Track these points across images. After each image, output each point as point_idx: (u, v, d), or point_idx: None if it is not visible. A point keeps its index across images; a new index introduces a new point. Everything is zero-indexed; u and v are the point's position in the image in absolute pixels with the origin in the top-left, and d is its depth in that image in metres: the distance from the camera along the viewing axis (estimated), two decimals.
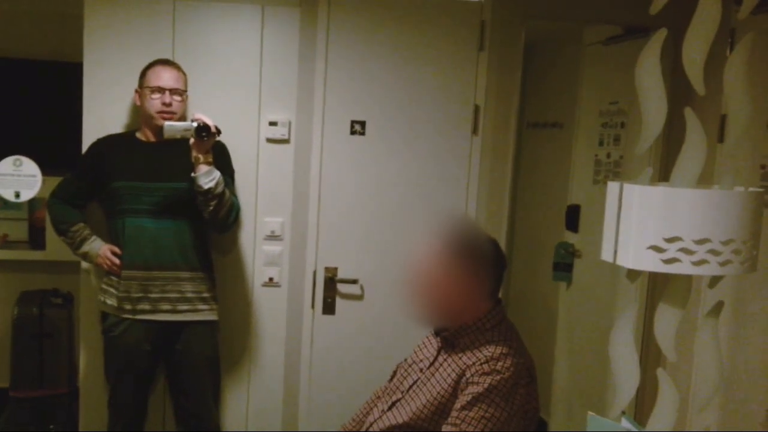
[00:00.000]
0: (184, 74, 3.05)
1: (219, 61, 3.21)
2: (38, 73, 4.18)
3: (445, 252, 2.05)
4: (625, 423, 1.86)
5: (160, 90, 2.95)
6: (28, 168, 2.98)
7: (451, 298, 2.06)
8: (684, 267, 1.51)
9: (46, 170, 3.04)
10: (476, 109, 3.35)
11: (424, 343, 2.27)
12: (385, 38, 3.28)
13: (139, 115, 3.09)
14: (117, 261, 2.95)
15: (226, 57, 3.21)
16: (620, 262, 1.60)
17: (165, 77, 2.97)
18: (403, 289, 2.15)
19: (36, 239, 4.34)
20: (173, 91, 2.98)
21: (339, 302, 3.39)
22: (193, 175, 2.85)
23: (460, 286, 2.05)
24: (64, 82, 3.71)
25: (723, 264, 1.51)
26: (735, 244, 1.51)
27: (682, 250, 1.50)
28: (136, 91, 3.03)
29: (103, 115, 3.14)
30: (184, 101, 3.03)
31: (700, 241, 1.50)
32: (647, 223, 1.54)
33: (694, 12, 1.60)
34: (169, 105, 2.96)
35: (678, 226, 1.51)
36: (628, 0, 3.32)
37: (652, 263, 1.53)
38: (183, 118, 3.01)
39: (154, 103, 2.95)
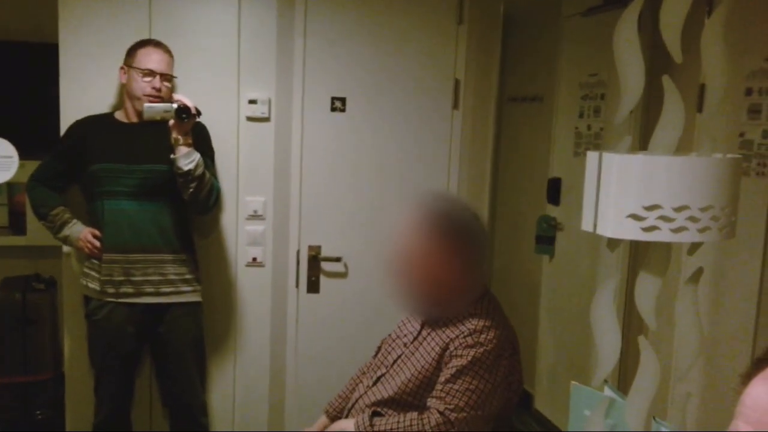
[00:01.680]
0: (173, 58, 3.02)
1: (196, 39, 3.17)
2: (13, 55, 4.11)
3: (430, 234, 2.03)
4: (608, 391, 1.87)
5: (152, 73, 2.92)
6: (4, 149, 2.93)
7: (440, 279, 2.05)
8: (663, 234, 1.52)
9: (25, 154, 3.00)
10: (456, 83, 3.34)
11: (408, 317, 2.28)
12: (363, 13, 3.26)
13: (120, 93, 3.06)
14: (98, 244, 2.93)
15: (204, 35, 3.18)
16: (600, 231, 1.61)
17: (157, 60, 2.94)
18: (389, 276, 2.12)
19: (16, 225, 4.30)
20: (163, 76, 2.95)
21: (323, 280, 3.39)
22: (172, 156, 2.82)
23: (447, 267, 2.04)
24: (41, 64, 3.66)
25: (702, 231, 1.53)
26: (713, 210, 1.53)
27: (662, 217, 1.52)
28: (122, 69, 2.98)
29: (81, 96, 3.10)
30: (171, 86, 3.01)
31: (679, 209, 1.51)
32: (626, 192, 1.54)
33: None
34: (159, 90, 2.93)
35: (657, 194, 1.52)
36: None
37: (631, 232, 1.54)
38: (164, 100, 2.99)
39: (144, 85, 2.91)
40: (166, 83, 2.97)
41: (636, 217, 1.53)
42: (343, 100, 3.29)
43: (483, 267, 2.15)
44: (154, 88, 2.92)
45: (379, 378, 2.17)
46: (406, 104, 3.32)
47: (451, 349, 1.99)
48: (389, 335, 2.33)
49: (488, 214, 3.54)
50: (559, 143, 4.20)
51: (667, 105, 1.63)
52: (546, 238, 4.20)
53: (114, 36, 3.07)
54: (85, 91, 3.11)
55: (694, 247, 1.72)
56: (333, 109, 3.29)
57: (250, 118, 3.25)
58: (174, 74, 3.02)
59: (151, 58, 2.94)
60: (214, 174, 3.03)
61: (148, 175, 2.91)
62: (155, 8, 3.13)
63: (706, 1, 2.71)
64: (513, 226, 4.90)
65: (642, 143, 3.29)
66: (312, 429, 2.35)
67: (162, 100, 2.93)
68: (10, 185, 4.02)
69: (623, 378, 3.36)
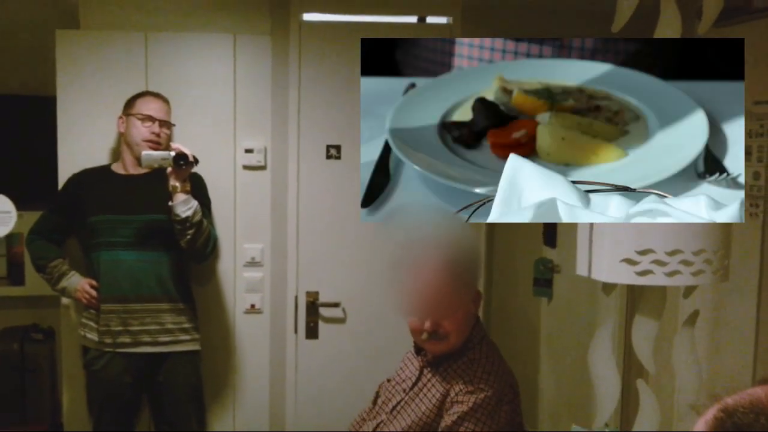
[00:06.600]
0: (170, 108, 3.08)
1: (193, 90, 3.21)
2: (10, 108, 4.15)
3: (445, 268, 2.05)
4: None
5: (152, 119, 2.97)
6: (2, 204, 2.95)
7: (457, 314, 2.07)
8: (657, 278, 1.54)
9: (22, 205, 3.01)
10: None
11: (404, 362, 2.27)
12: (355, 63, 3.30)
13: (118, 145, 3.10)
14: (95, 294, 2.94)
15: (200, 86, 3.22)
16: (595, 276, 1.62)
17: (155, 108, 2.99)
18: (402, 307, 2.13)
19: (15, 275, 4.30)
20: (163, 123, 2.99)
21: (322, 326, 3.38)
22: (170, 203, 2.85)
23: (459, 302, 2.06)
24: (38, 117, 3.69)
25: (695, 274, 1.54)
26: (706, 254, 1.54)
27: (655, 261, 1.53)
28: (120, 118, 3.03)
29: (78, 148, 3.14)
30: (169, 135, 3.05)
31: (672, 253, 1.52)
32: (620, 237, 1.56)
33: (656, 27, 1.65)
34: (158, 135, 2.97)
35: (650, 239, 1.53)
36: (593, 21, 3.36)
37: (626, 276, 1.56)
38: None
39: (143, 130, 2.95)
40: (166, 130, 3.01)
41: (630, 262, 1.55)
42: (338, 148, 3.31)
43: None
44: (153, 133, 2.96)
45: (378, 425, 2.16)
46: None
47: (452, 395, 1.99)
48: (387, 380, 2.32)
49: (485, 256, 3.55)
50: None
51: None
52: (543, 280, 4.20)
53: (111, 88, 3.12)
54: (82, 143, 3.15)
55: (688, 290, 1.73)
56: (328, 157, 3.31)
57: (246, 167, 3.28)
58: (172, 122, 3.07)
59: (150, 106, 2.99)
60: (211, 223, 3.05)
61: (145, 225, 2.93)
62: (152, 60, 3.18)
63: None
64: (510, 269, 4.90)
65: None
66: None
67: (161, 146, 2.96)
68: (8, 236, 4.02)
69: (625, 419, 3.34)
